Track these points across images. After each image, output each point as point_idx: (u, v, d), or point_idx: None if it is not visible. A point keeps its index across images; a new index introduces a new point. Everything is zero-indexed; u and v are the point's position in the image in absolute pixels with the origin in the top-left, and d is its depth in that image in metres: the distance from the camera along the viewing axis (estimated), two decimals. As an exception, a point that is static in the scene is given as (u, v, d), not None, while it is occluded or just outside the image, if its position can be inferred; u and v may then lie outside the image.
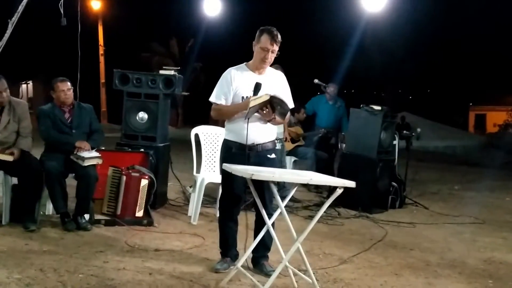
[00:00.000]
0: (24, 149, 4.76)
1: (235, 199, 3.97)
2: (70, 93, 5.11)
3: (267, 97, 3.67)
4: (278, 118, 3.79)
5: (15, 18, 6.40)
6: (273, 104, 3.71)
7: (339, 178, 3.65)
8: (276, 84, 3.92)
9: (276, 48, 3.81)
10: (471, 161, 15.12)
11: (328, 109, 8.09)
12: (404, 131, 8.03)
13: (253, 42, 3.86)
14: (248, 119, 3.71)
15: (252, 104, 3.67)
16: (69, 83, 5.12)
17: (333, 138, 8.04)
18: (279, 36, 3.81)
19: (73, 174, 4.93)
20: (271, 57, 3.82)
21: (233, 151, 3.88)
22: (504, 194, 8.73)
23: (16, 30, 6.44)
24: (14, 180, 4.86)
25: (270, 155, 3.94)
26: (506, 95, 31.78)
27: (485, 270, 4.45)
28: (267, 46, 3.78)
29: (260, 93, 3.74)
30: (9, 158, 4.65)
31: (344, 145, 7.49)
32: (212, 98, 3.91)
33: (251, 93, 3.76)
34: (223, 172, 3.79)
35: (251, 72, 3.88)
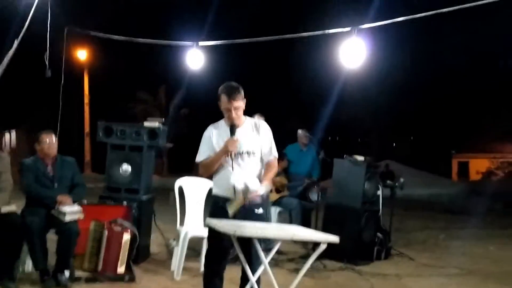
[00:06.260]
0: None
1: (221, 254, 3.92)
2: (54, 145, 5.11)
3: (241, 200, 3.70)
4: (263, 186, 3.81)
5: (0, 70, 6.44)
6: (246, 195, 3.72)
7: (323, 233, 3.63)
8: (255, 133, 3.91)
9: (238, 103, 3.81)
10: (456, 208, 15.16)
11: (300, 157, 8.03)
12: (388, 181, 8.04)
13: (218, 102, 3.90)
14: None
15: (231, 211, 3.71)
16: (53, 136, 5.13)
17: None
18: (237, 92, 3.80)
19: (54, 229, 4.84)
20: (237, 113, 3.83)
21: (219, 205, 3.85)
22: (489, 243, 8.72)
23: (2, 78, 6.46)
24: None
25: (258, 209, 3.89)
26: (488, 142, 32.31)
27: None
28: (228, 106, 3.81)
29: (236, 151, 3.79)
30: None
31: (314, 195, 7.26)
32: (197, 158, 3.92)
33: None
34: (209, 227, 3.76)
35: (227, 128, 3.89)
